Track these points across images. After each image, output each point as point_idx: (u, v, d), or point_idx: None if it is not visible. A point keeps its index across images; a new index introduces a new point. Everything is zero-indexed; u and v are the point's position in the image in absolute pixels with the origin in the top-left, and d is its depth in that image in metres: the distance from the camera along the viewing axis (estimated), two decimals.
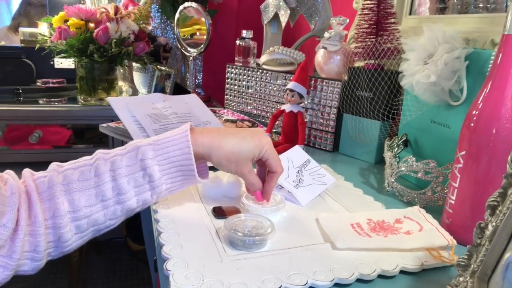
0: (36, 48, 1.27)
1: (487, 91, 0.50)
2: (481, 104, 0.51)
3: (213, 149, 0.52)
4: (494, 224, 0.37)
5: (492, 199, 0.39)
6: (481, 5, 0.86)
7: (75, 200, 0.45)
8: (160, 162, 0.48)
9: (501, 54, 0.48)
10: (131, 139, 0.79)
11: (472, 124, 0.51)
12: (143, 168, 0.48)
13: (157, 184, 0.49)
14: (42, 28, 1.47)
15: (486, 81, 0.50)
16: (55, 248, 0.46)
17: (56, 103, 1.32)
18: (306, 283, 0.41)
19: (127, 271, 1.74)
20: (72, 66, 1.48)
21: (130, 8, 1.33)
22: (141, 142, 0.49)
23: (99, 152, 0.49)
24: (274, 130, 0.99)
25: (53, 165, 0.49)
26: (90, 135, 1.37)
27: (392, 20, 0.84)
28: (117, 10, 1.24)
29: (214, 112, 1.04)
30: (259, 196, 0.56)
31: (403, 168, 0.65)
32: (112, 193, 0.47)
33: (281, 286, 0.40)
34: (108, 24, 1.18)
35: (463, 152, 0.52)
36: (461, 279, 0.41)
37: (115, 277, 1.69)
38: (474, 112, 0.51)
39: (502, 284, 0.24)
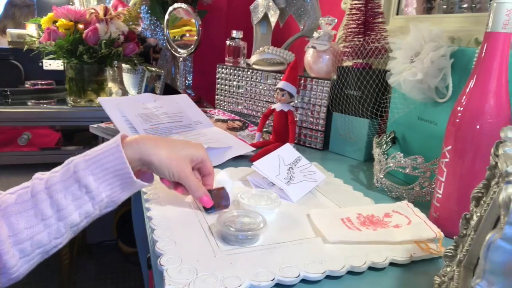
0: (24, 49, 1.26)
1: (471, 87, 0.51)
2: (465, 100, 0.52)
3: (151, 148, 0.51)
4: (478, 214, 0.39)
5: (477, 190, 0.40)
6: (465, 5, 0.88)
7: (14, 223, 0.44)
8: (94, 171, 0.47)
9: (484, 51, 0.50)
10: None
11: (457, 120, 0.53)
12: (77, 180, 0.47)
13: (95, 193, 0.48)
14: (30, 29, 1.46)
15: (469, 78, 0.52)
16: (1, 275, 0.44)
17: (45, 105, 1.31)
18: (298, 275, 0.42)
19: (119, 273, 1.72)
20: (61, 68, 1.47)
21: (120, 9, 1.32)
22: (75, 157, 0.49)
23: (37, 174, 0.49)
24: (265, 129, 1.00)
25: None
26: (79, 137, 1.36)
27: (380, 20, 0.85)
28: (106, 11, 1.24)
29: (205, 112, 1.05)
30: (209, 201, 0.55)
31: (391, 164, 0.67)
32: (51, 210, 0.46)
33: (273, 278, 0.41)
34: (97, 25, 1.18)
35: (449, 147, 0.53)
36: (448, 269, 0.42)
37: (107, 280, 1.68)
38: (458, 108, 0.53)
39: (484, 264, 0.25)
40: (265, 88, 1.06)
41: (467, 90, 0.52)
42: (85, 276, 1.68)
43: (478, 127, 0.51)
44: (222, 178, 0.64)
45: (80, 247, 1.73)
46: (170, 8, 1.31)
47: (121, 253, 1.79)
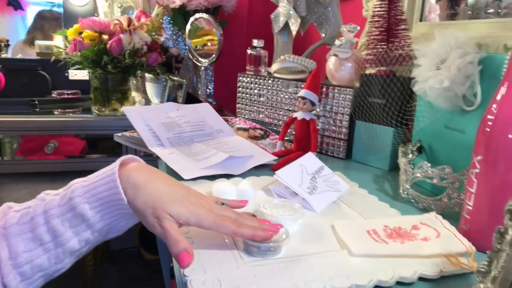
0: (51, 60, 1.30)
1: (502, 95, 0.50)
2: (496, 108, 0.50)
3: (136, 187, 0.46)
4: None
5: (511, 203, 0.38)
6: (491, 10, 0.86)
7: (13, 245, 0.43)
8: (89, 200, 0.45)
9: None
10: (146, 147, 0.80)
11: (487, 129, 0.51)
12: (72, 208, 0.45)
13: (92, 222, 0.45)
14: (57, 41, 1.51)
15: (500, 85, 0.50)
16: None
17: (71, 114, 1.35)
18: None
19: (140, 281, 1.74)
20: (86, 78, 1.50)
21: (143, 19, 1.35)
22: (77, 180, 0.47)
23: (42, 193, 0.48)
24: (286, 138, 0.99)
25: (4, 206, 0.47)
26: (103, 145, 1.39)
27: (403, 27, 0.84)
28: (130, 22, 1.27)
29: (226, 120, 1.05)
30: (186, 257, 0.43)
31: (418, 174, 0.65)
32: (48, 236, 0.44)
33: None
34: (121, 35, 1.20)
35: (480, 157, 0.52)
36: (481, 285, 0.41)
37: (129, 287, 1.70)
38: (489, 117, 0.51)
39: None
40: (287, 96, 1.05)
41: (498, 98, 0.50)
42: (108, 283, 1.70)
43: (510, 136, 0.49)
44: (244, 188, 0.63)
45: (103, 253, 1.76)
46: (192, 18, 1.32)
47: (143, 260, 1.80)
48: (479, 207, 0.52)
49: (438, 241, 0.51)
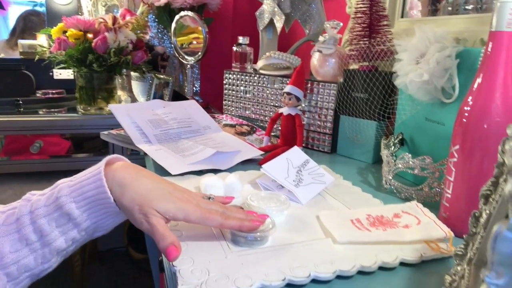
0: (35, 59, 1.29)
1: (477, 87, 0.52)
2: (472, 100, 0.52)
3: (123, 185, 0.46)
4: (488, 212, 0.39)
5: (485, 188, 0.40)
6: (470, 6, 0.89)
7: None
8: (76, 199, 0.45)
9: (488, 51, 0.50)
10: (133, 145, 0.80)
11: (464, 120, 0.53)
12: (59, 207, 0.45)
13: (79, 221, 0.46)
14: (41, 40, 1.49)
15: (475, 78, 0.52)
16: None
17: (56, 113, 1.34)
18: (309, 275, 0.43)
19: (130, 280, 1.73)
20: (71, 77, 1.50)
21: (128, 18, 1.35)
22: (62, 180, 0.47)
23: (28, 193, 0.48)
24: (273, 134, 1.01)
25: None
26: (89, 145, 1.38)
27: (385, 23, 0.86)
28: (115, 20, 1.27)
29: (213, 117, 1.06)
30: (174, 251, 0.44)
31: (400, 165, 0.67)
32: (35, 236, 0.44)
33: (284, 278, 0.42)
34: (106, 34, 1.20)
35: (457, 147, 0.54)
36: (459, 268, 0.42)
37: (117, 286, 1.69)
38: (465, 108, 0.53)
39: (492, 255, 0.26)
40: (272, 92, 1.07)
41: (473, 90, 0.52)
42: (97, 283, 1.70)
43: (485, 126, 0.51)
44: (231, 181, 0.64)
45: (91, 254, 1.75)
46: (177, 16, 1.33)
47: (131, 260, 1.80)
48: (457, 195, 0.54)
49: (419, 228, 0.53)
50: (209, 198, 0.53)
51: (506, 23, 0.48)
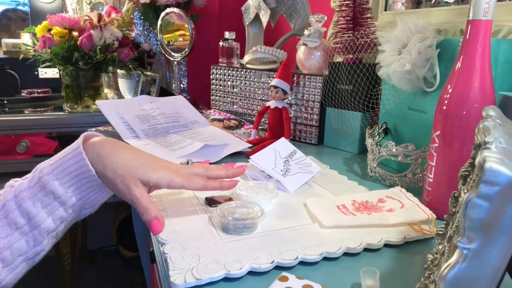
0: (20, 58, 1.28)
1: (456, 74, 0.54)
2: (451, 87, 0.54)
3: (102, 157, 0.47)
4: (466, 191, 0.41)
5: (464, 169, 0.42)
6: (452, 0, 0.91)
7: None
8: (58, 176, 0.46)
9: (466, 39, 0.52)
10: (122, 140, 0.80)
11: (444, 107, 0.55)
12: (42, 187, 0.46)
13: (64, 198, 0.46)
14: (25, 39, 1.48)
15: (454, 66, 0.54)
16: None
17: (42, 112, 1.33)
18: (297, 257, 0.44)
19: (121, 278, 1.73)
20: (57, 76, 1.48)
21: (113, 15, 1.34)
22: (43, 162, 0.48)
23: (10, 180, 0.48)
24: (260, 127, 1.02)
25: None
26: None
27: (368, 15, 0.88)
28: (100, 17, 1.26)
29: (201, 112, 1.07)
30: (158, 225, 0.46)
31: (383, 153, 0.69)
32: (22, 219, 0.45)
33: (273, 261, 0.43)
34: (92, 31, 1.20)
35: (438, 132, 0.56)
36: (440, 246, 0.44)
37: (109, 285, 1.69)
38: (445, 96, 0.55)
39: (464, 222, 0.27)
40: (259, 86, 1.08)
41: (452, 78, 0.54)
42: (88, 282, 1.69)
43: (464, 112, 0.53)
44: None
45: (81, 253, 1.74)
46: (163, 13, 1.32)
47: (122, 258, 1.80)
48: (438, 179, 0.56)
49: (402, 211, 0.54)
50: (188, 163, 0.55)
51: (483, 12, 0.50)
